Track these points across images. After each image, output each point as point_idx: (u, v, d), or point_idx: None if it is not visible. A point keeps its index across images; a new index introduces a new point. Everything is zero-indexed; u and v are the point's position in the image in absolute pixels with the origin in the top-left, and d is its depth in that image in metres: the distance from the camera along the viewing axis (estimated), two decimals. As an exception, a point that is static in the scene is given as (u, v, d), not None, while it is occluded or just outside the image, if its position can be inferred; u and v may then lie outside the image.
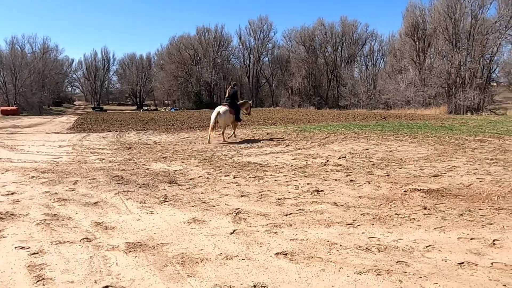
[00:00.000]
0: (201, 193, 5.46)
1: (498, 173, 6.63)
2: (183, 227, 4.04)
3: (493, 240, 3.57)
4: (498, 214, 4.36)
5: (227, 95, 12.90)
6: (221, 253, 3.34)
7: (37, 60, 65.47)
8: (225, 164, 7.89)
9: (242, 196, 5.29)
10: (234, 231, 3.91)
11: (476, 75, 37.80)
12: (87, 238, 3.71)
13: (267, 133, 14.54)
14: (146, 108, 73.46)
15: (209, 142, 11.72)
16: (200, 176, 6.65)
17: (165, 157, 8.96)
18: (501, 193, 5.27)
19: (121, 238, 3.72)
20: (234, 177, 6.54)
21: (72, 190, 5.62)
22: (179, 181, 6.29)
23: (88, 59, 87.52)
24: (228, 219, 4.28)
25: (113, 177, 6.57)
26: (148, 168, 7.45)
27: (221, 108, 12.07)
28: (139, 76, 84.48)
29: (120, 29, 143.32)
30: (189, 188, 5.80)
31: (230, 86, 13.26)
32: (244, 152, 9.61)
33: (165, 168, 7.45)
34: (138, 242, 3.60)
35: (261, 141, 12.06)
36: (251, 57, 68.79)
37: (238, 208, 4.68)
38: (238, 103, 13.02)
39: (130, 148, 10.77)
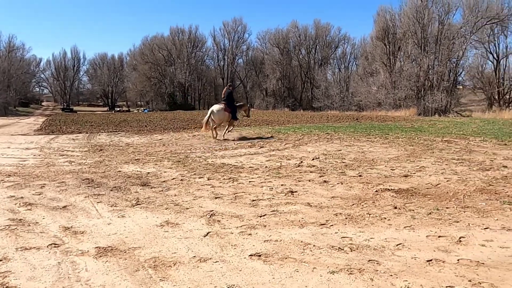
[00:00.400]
0: (175, 196, 5.39)
1: (464, 172, 6.88)
2: (156, 230, 3.97)
3: (459, 238, 3.70)
4: (464, 212, 4.53)
5: (223, 95, 13.66)
6: (194, 256, 3.30)
7: (2, 59, 62.85)
8: (199, 165, 7.83)
9: (216, 198, 5.26)
10: (208, 233, 3.88)
11: (443, 78, 39.16)
12: (55, 244, 3.58)
13: (240, 134, 14.52)
14: (118, 109, 71.93)
15: (214, 137, 12.95)
16: (173, 178, 6.57)
17: (137, 159, 8.79)
18: (466, 192, 5.47)
19: (91, 243, 3.61)
20: (208, 179, 6.50)
21: (40, 194, 5.42)
22: (152, 183, 6.19)
23: (57, 59, 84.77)
24: (202, 222, 4.24)
25: (83, 180, 6.39)
26: (119, 171, 7.28)
27: (215, 107, 13.11)
28: (111, 77, 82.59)
29: (91, 28, 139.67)
30: (162, 190, 5.71)
31: (226, 87, 14.13)
32: (219, 154, 9.57)
33: (137, 171, 7.31)
34: (109, 247, 3.51)
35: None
36: (226, 58, 68.63)
37: (212, 210, 4.64)
38: (236, 104, 13.84)
39: (101, 150, 10.51)
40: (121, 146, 11.54)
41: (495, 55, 42.96)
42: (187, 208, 4.75)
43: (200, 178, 6.61)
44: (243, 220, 4.28)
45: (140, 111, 59.91)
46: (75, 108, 73.61)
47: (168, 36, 67.72)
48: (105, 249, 3.46)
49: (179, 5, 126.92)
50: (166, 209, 4.74)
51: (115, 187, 5.89)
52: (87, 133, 16.54)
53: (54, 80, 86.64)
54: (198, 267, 3.10)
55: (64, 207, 4.80)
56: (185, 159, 8.66)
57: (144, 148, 10.85)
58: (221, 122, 13.22)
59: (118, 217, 4.42)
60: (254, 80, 66.56)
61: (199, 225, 4.13)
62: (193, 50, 67.00)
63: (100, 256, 3.30)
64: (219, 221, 4.26)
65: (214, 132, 13.14)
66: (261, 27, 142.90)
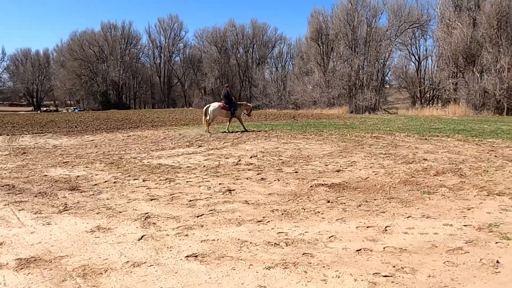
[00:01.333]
0: (107, 199, 5.14)
1: (390, 166, 7.38)
2: (86, 237, 3.75)
3: (385, 227, 3.96)
4: (390, 203, 4.86)
5: (222, 95, 15.66)
6: (128, 261, 3.18)
7: None
8: (134, 167, 7.54)
9: (151, 199, 5.11)
10: (142, 236, 3.75)
11: (372, 78, 41.66)
12: (-32, 258, 3.24)
13: (179, 134, 14.26)
14: (45, 109, 66.72)
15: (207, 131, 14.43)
16: (106, 181, 6.26)
17: (66, 162, 8.26)
18: (392, 184, 5.87)
19: (11, 255, 3.32)
20: (144, 181, 6.29)
21: (-51, 204, 4.87)
22: (82, 187, 5.84)
23: (-28, 54, 76.61)
24: (136, 225, 4.09)
25: (2, 186, 5.86)
26: (45, 175, 6.78)
27: (212, 105, 15.09)
28: (36, 74, 76.38)
29: (10, 20, 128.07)
30: (93, 194, 5.42)
31: (223, 88, 16.64)
32: (155, 154, 9.30)
33: (66, 174, 6.86)
34: (32, 257, 3.26)
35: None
36: (162, 56, 66.85)
37: (147, 213, 4.50)
38: (238, 102, 15.85)
39: (24, 153, 9.71)
40: (48, 148, 10.76)
41: (416, 57, 46.62)
42: (121, 212, 4.56)
43: (134, 180, 6.38)
44: (179, 221, 4.20)
45: (70, 111, 56.23)
46: (-6, 108, 67.10)
47: (99, 31, 64.35)
48: (27, 260, 3.20)
49: (110, 0, 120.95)
50: (97, 213, 4.50)
51: (40, 192, 5.48)
52: (8, 135, 15.18)
53: (-32, 77, 78.25)
54: (131, 272, 2.99)
55: (-21, 217, 4.36)
56: (118, 161, 8.29)
57: (74, 150, 10.22)
58: (215, 117, 15.19)
59: (43, 224, 4.12)
60: (192, 78, 65.64)
61: (133, 229, 3.97)
62: (127, 47, 64.34)
63: (22, 268, 3.05)
64: (154, 223, 4.14)
65: (208, 126, 14.83)
66: (198, 25, 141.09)
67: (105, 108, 54.35)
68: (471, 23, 34.18)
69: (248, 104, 16.55)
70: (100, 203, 4.96)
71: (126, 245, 3.53)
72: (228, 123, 15.63)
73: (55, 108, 70.13)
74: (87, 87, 62.25)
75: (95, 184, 6.03)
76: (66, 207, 4.76)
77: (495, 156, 8.39)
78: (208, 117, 14.78)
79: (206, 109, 14.92)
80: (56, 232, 3.90)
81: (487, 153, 8.85)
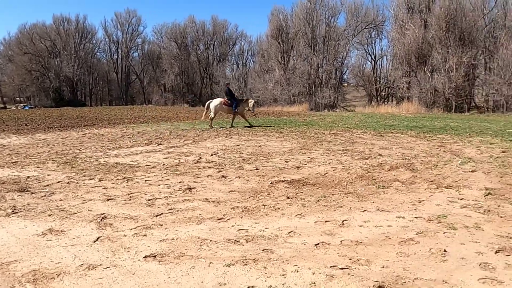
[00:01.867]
0: (60, 200, 4.92)
1: (347, 162, 7.61)
2: (36, 240, 3.58)
3: (343, 221, 4.08)
4: (347, 197, 5.01)
5: (224, 93, 16.36)
6: (82, 264, 3.06)
7: None
8: (90, 166, 7.27)
9: (108, 200, 4.95)
10: (98, 238, 3.63)
11: (331, 76, 42.71)
12: None
13: (138, 132, 13.91)
14: (-8, 106, 62.75)
15: (210, 127, 15.16)
16: (59, 182, 5.99)
17: (15, 162, 7.81)
18: (349, 179, 6.06)
19: (-48, 262, 3.10)
20: (100, 180, 6.07)
21: None
22: (32, 188, 5.55)
23: None
24: (92, 226, 3.95)
25: None
26: (-8, 176, 6.38)
27: (213, 100, 15.94)
28: (-20, 69, 71.48)
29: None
30: (45, 195, 5.17)
31: (225, 85, 17.34)
32: (112, 153, 9.01)
33: (14, 175, 6.49)
34: (-24, 264, 3.06)
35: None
36: (119, 51, 64.64)
37: (104, 213, 4.36)
38: (240, 98, 16.44)
39: (-33, 153, 9.07)
40: (-6, 148, 10.12)
41: (373, 56, 48.34)
42: (75, 213, 4.38)
43: (90, 179, 6.15)
44: (137, 221, 4.10)
45: (19, 108, 53.13)
46: None
47: (51, 24, 61.10)
48: (-30, 267, 3.00)
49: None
50: (49, 215, 4.30)
51: (-15, 195, 5.14)
52: (-51, 134, 14.11)
53: None
54: (86, 275, 2.88)
55: None
56: (73, 160, 7.96)
57: (24, 150, 9.68)
58: (216, 112, 15.64)
59: (-11, 229, 3.87)
60: (151, 75, 64.07)
61: (88, 230, 3.83)
62: (81, 41, 61.62)
63: (-36, 276, 2.85)
64: (111, 224, 4.02)
65: (210, 121, 15.46)
66: (157, 20, 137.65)
67: (58, 105, 51.82)
68: (423, 24, 35.91)
69: (250, 100, 16.42)
70: (53, 204, 4.74)
71: (80, 248, 3.40)
72: (232, 119, 16.35)
73: (2, 105, 65.97)
74: (38, 83, 59.02)
75: (47, 185, 5.75)
76: (14, 209, 4.51)
77: (444, 151, 8.88)
78: (209, 112, 15.60)
79: (208, 104, 15.80)
80: (3, 236, 3.68)
81: (437, 148, 9.34)
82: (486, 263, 3.06)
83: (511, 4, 32.82)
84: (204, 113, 16.17)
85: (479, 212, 4.34)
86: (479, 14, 34.19)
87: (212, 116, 15.56)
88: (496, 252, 3.25)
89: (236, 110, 15.64)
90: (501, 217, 4.18)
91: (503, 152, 8.68)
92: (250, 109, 16.02)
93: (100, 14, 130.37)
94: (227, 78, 54.10)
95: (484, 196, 5.01)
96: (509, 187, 5.46)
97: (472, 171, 6.55)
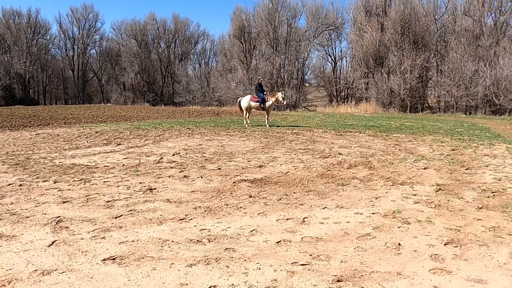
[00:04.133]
0: (11, 204, 4.67)
1: (308, 160, 7.76)
2: (-15, 247, 3.38)
3: (303, 218, 4.17)
4: (308, 195, 5.12)
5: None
6: (36, 270, 2.93)
7: None
8: (44, 168, 6.95)
9: (64, 202, 4.76)
10: (53, 242, 3.48)
11: (293, 77, 43.32)
12: None
13: (96, 132, 13.44)
14: None
15: (245, 124, 15.74)
16: (10, 184, 5.68)
17: (-40, 164, 7.31)
18: (310, 177, 6.19)
19: None
20: (55, 182, 5.82)
21: None
22: (-20, 192, 5.22)
23: None
24: (46, 230, 3.79)
25: None
26: None
27: (244, 97, 16.49)
28: None
29: None
30: (-6, 199, 4.88)
31: (257, 80, 16.91)
32: (68, 154, 8.66)
33: (-41, 178, 6.08)
34: None
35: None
36: (75, 48, 62.06)
37: (59, 216, 4.19)
38: (264, 93, 15.71)
39: None
40: None
41: (333, 57, 49.52)
42: (28, 217, 4.18)
43: (44, 181, 5.87)
44: (95, 224, 3.98)
45: (-36, 107, 49.69)
46: None
47: (0, 18, 57.67)
48: None
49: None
50: (-1, 220, 4.07)
51: None
52: None
53: None
54: (40, 281, 2.76)
55: None
56: (25, 161, 7.57)
57: (-30, 151, 9.08)
58: (245, 108, 15.84)
59: None
60: (110, 73, 61.99)
61: (42, 235, 3.67)
62: (34, 37, 58.56)
63: None
64: (67, 227, 3.87)
65: (245, 119, 15.97)
66: (116, 17, 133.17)
67: (9, 104, 48.96)
68: (380, 28, 37.27)
69: (277, 93, 15.77)
70: (3, 208, 4.49)
71: (34, 253, 3.25)
72: (266, 116, 16.23)
73: None
74: (-14, 80, 55.51)
75: (-3, 188, 5.44)
76: (-40, 214, 4.23)
77: (399, 149, 9.28)
78: (244, 110, 15.99)
79: (239, 102, 16.32)
80: None
81: (393, 147, 9.75)
82: (437, 254, 3.24)
83: (460, 10, 34.79)
84: (244, 114, 16.20)
85: (431, 207, 4.59)
86: (431, 19, 35.97)
87: (245, 113, 15.90)
88: (445, 244, 3.45)
89: (262, 106, 15.48)
90: (450, 211, 4.44)
91: (453, 150, 9.21)
92: (281, 101, 15.43)
93: (55, 9, 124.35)
94: (188, 77, 53.43)
95: (435, 192, 5.29)
96: (458, 183, 5.81)
97: (424, 168, 6.90)
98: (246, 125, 15.65)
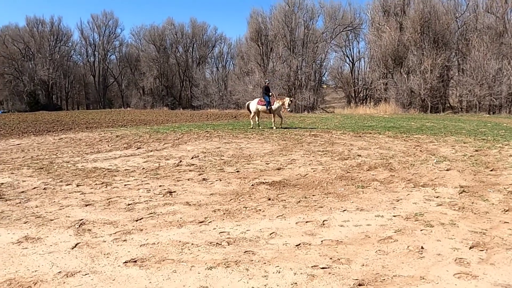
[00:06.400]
0: (36, 207, 4.80)
1: (327, 162, 7.70)
2: (12, 249, 3.47)
3: (323, 221, 4.13)
4: (327, 198, 5.07)
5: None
6: (60, 272, 2.99)
7: None
8: (67, 172, 7.11)
9: (86, 205, 4.85)
10: (76, 244, 3.55)
11: (310, 78, 43.15)
12: None
13: (117, 136, 13.69)
14: (-38, 111, 60.46)
15: (255, 126, 16.27)
16: (35, 188, 5.83)
17: (-13, 168, 7.56)
18: (329, 179, 6.14)
19: None
20: (78, 186, 5.95)
21: None
22: (6, 195, 5.39)
23: None
24: (70, 233, 3.87)
25: None
26: (-37, 184, 6.16)
27: (252, 100, 17.19)
28: (-51, 72, 68.82)
29: None
30: (20, 202, 5.02)
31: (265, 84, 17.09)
32: (90, 158, 8.84)
33: (-13, 182, 6.28)
34: None
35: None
36: (96, 54, 63.58)
37: (82, 219, 4.27)
38: (272, 95, 15.96)
39: None
40: (-34, 154, 9.77)
41: (350, 58, 49.09)
42: (52, 220, 4.28)
43: (67, 185, 6.01)
44: (117, 226, 4.04)
45: (-9, 113, 51.42)
46: None
47: (24, 27, 59.59)
48: None
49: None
50: (25, 223, 4.18)
51: (-44, 203, 4.96)
52: None
53: None
54: (64, 283, 2.82)
55: None
56: (49, 166, 7.77)
57: (-3, 156, 9.38)
58: (254, 111, 16.23)
59: (-39, 238, 3.74)
60: (130, 77, 63.21)
61: (66, 237, 3.75)
62: (56, 44, 60.28)
63: None
64: (90, 230, 3.94)
65: (252, 121, 16.43)
66: (135, 23, 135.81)
67: (33, 110, 50.48)
68: (398, 27, 36.74)
69: (286, 98, 16.00)
70: (28, 211, 4.62)
71: (58, 255, 3.33)
72: (273, 119, 16.41)
73: (-26, 110, 63.68)
74: (11, 86, 57.33)
75: (22, 192, 5.59)
76: (-12, 217, 4.37)
77: (420, 151, 9.10)
78: (252, 112, 16.42)
79: (247, 106, 16.91)
80: (-24, 245, 3.56)
81: (414, 148, 9.57)
82: (461, 258, 3.15)
83: (482, 8, 33.97)
84: (251, 116, 16.62)
85: (454, 210, 4.47)
86: (451, 17, 35.27)
87: (252, 115, 16.32)
88: (470, 248, 3.36)
89: (268, 108, 15.71)
90: (474, 213, 4.32)
91: (476, 151, 8.97)
92: (286, 107, 15.76)
93: (76, 16, 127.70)
94: (206, 80, 53.85)
95: (459, 194, 5.16)
96: (482, 185, 5.65)
97: (447, 170, 6.74)
98: (254, 127, 16.07)
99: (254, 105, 16.23)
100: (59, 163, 8.04)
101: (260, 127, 15.92)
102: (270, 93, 15.99)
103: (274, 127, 15.83)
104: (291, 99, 16.19)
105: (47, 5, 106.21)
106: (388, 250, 3.35)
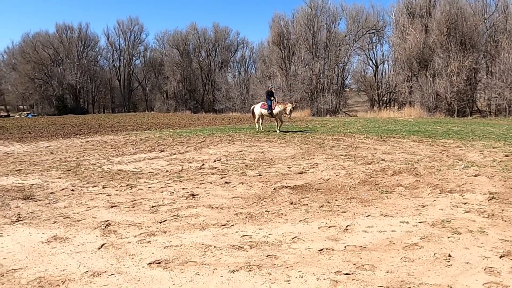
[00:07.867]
0: (64, 208, 4.94)
1: (350, 167, 7.60)
2: (41, 248, 3.59)
3: (346, 226, 4.08)
4: (350, 203, 5.01)
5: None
6: (87, 271, 3.07)
7: None
8: (93, 173, 7.30)
9: (112, 207, 4.96)
10: (102, 245, 3.64)
11: (332, 82, 42.79)
12: None
13: (141, 139, 13.95)
14: (-5, 114, 62.97)
15: (258, 130, 16.53)
16: (63, 189, 6.01)
17: (19, 170, 7.85)
18: (352, 184, 6.06)
19: (-43, 270, 3.11)
20: (104, 187, 6.09)
21: None
22: (36, 196, 5.58)
23: None
24: (96, 233, 3.96)
25: None
26: (-4, 184, 6.41)
27: (256, 104, 17.33)
28: (-16, 77, 71.88)
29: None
30: (49, 203, 5.19)
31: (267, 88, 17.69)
32: (115, 160, 9.04)
33: (18, 183, 6.52)
34: (-18, 272, 3.07)
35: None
36: (122, 59, 65.01)
37: (108, 220, 4.37)
38: (273, 99, 15.99)
39: (-28, 161, 9.12)
40: (-2, 156, 10.17)
41: (374, 61, 48.40)
42: (79, 220, 4.40)
43: (94, 187, 6.17)
44: (141, 228, 4.11)
45: (23, 116, 53.41)
46: None
47: (54, 33, 61.56)
48: (-24, 275, 3.01)
49: (65, 1, 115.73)
50: (53, 223, 4.32)
51: (-10, 203, 5.17)
52: (-47, 142, 14.19)
53: None
54: (91, 282, 2.89)
55: None
56: (76, 167, 7.99)
57: (28, 157, 9.72)
58: (257, 115, 16.53)
59: (-6, 237, 3.89)
60: (154, 82, 64.34)
61: (92, 238, 3.85)
62: (84, 49, 62.04)
63: (-30, 284, 2.87)
64: (115, 231, 4.03)
65: (257, 124, 16.75)
66: (159, 28, 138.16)
67: (61, 113, 52.10)
68: (423, 29, 36.00)
69: (288, 104, 16.17)
70: (57, 212, 4.76)
71: (85, 255, 3.41)
72: (276, 123, 16.71)
73: (6, 114, 66.31)
74: (41, 91, 59.39)
75: (51, 193, 5.78)
76: (19, 217, 4.53)
77: (447, 155, 8.86)
78: (256, 116, 16.66)
79: (252, 110, 17.23)
80: (8, 244, 3.70)
81: (440, 153, 9.33)
82: (491, 267, 3.05)
83: (512, 8, 32.90)
84: (255, 119, 16.91)
85: (483, 217, 4.33)
86: (479, 19, 34.28)
87: (257, 119, 16.57)
88: (501, 257, 3.24)
89: (269, 112, 15.89)
90: (505, 221, 4.17)
91: (506, 156, 8.66)
92: (287, 114, 15.88)
93: (103, 22, 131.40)
94: (228, 84, 54.22)
95: (488, 201, 5.00)
96: (513, 191, 5.44)
97: (475, 176, 6.53)
98: (258, 130, 16.38)
99: (258, 109, 16.54)
100: (86, 165, 8.26)
101: (263, 131, 16.12)
102: (272, 98, 16.16)
103: (278, 131, 16.06)
104: (293, 106, 16.41)
105: (75, 12, 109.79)
106: (414, 257, 3.27)
